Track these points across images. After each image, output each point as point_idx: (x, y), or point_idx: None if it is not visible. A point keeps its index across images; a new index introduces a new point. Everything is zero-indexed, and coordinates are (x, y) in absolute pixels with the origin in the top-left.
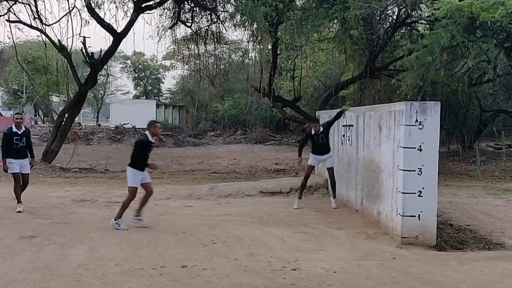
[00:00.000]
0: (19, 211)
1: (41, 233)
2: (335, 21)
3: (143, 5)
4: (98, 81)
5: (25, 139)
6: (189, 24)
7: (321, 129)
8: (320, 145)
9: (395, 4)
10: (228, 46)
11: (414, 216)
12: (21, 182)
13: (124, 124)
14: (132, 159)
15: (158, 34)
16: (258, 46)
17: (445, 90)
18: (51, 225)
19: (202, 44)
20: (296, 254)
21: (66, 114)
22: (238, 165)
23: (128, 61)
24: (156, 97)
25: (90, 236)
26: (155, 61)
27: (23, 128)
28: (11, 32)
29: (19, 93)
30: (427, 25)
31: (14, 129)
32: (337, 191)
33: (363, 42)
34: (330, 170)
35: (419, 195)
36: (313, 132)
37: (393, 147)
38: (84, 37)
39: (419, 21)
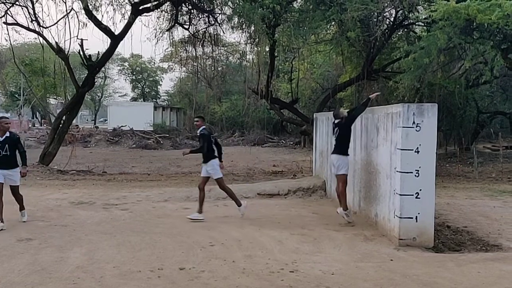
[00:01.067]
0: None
1: (38, 235)
2: (332, 23)
3: (140, 8)
4: (96, 83)
5: (9, 147)
6: (186, 27)
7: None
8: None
9: (392, 6)
10: (225, 48)
11: (412, 218)
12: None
13: (122, 126)
14: (344, 146)
15: (155, 37)
16: (255, 48)
17: (442, 92)
18: (49, 227)
19: (200, 46)
20: (294, 256)
21: (64, 117)
22: (236, 167)
23: (126, 63)
24: (153, 99)
25: (88, 238)
26: (152, 63)
27: (7, 134)
28: (8, 34)
29: (16, 96)
30: (424, 27)
31: None
32: (336, 193)
33: (360, 44)
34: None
35: (416, 197)
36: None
37: (390, 149)
38: (82, 40)
39: (416, 23)
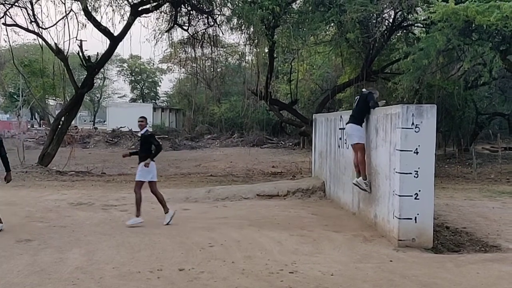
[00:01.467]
0: None
1: (37, 236)
2: (332, 24)
3: (139, 9)
4: (95, 84)
5: None
6: (185, 28)
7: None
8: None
9: (391, 8)
10: (225, 49)
11: (411, 218)
12: None
13: (121, 127)
14: (359, 117)
15: (154, 38)
16: (254, 49)
17: (441, 93)
18: (48, 228)
19: (199, 47)
20: (293, 257)
21: (63, 118)
22: (235, 168)
23: (125, 64)
24: (152, 100)
25: (87, 239)
26: (151, 64)
27: None
28: (7, 35)
29: (15, 96)
30: (423, 29)
31: None
32: (335, 194)
33: (359, 45)
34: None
35: (415, 198)
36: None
37: (389, 150)
38: (81, 41)
39: (415, 25)
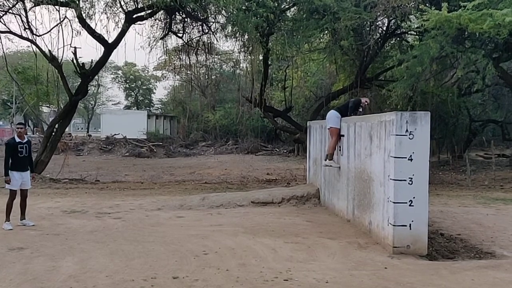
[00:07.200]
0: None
1: (30, 244)
2: (326, 32)
3: (134, 16)
4: (89, 91)
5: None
6: (180, 35)
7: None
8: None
9: (385, 16)
10: (219, 56)
11: (405, 225)
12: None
13: (115, 134)
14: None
15: (149, 45)
16: (249, 57)
17: (435, 100)
18: (41, 236)
19: (194, 54)
20: (288, 264)
21: (57, 125)
22: (230, 175)
23: (119, 72)
24: (147, 108)
25: (80, 247)
26: (146, 71)
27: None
28: (1, 42)
29: (8, 104)
30: (417, 36)
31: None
32: (329, 201)
33: (353, 52)
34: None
35: (410, 205)
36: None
37: (384, 157)
38: (75, 48)
39: (409, 32)
